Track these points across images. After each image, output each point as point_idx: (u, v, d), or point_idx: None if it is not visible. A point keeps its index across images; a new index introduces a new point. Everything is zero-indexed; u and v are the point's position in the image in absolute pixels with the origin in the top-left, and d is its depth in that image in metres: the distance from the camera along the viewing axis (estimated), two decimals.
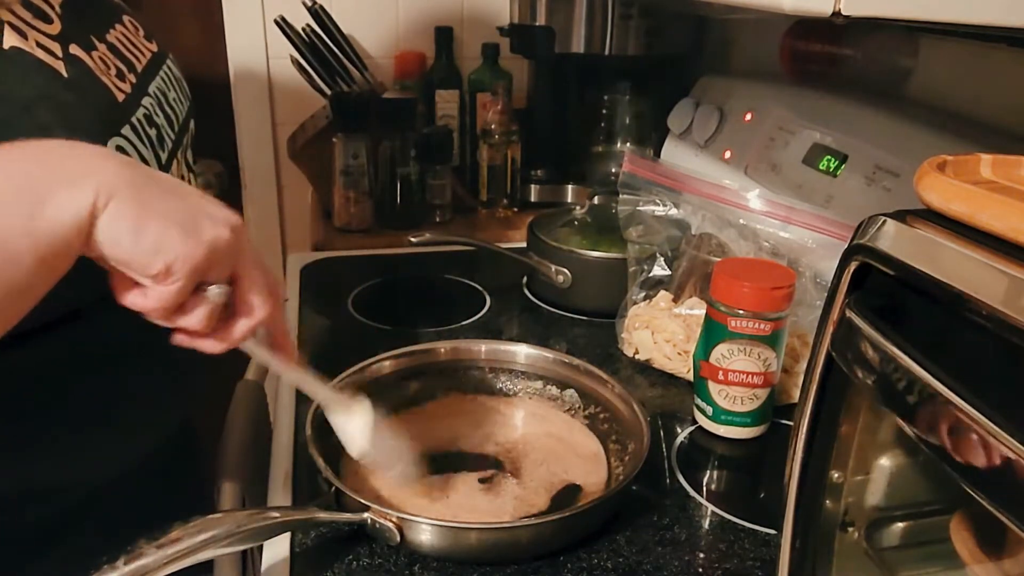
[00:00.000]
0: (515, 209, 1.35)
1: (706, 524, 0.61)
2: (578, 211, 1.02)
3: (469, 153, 1.40)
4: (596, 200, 1.02)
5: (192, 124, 0.66)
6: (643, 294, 0.87)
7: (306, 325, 0.91)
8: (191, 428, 0.74)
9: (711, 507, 0.63)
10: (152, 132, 0.54)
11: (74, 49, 0.49)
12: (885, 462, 0.43)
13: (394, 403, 0.72)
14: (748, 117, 1.00)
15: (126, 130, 0.50)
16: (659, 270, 0.87)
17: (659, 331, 0.82)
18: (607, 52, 1.18)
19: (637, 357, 0.83)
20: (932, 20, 0.43)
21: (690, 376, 0.77)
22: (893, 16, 0.44)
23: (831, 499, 0.42)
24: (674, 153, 1.15)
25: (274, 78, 1.45)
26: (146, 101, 0.55)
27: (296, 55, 1.23)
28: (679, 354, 0.80)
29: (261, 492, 0.66)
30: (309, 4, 1.21)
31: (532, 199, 1.36)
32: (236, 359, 0.58)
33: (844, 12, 0.43)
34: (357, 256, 1.14)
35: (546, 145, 1.33)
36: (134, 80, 0.55)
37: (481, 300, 0.99)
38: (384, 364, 0.72)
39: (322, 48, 1.21)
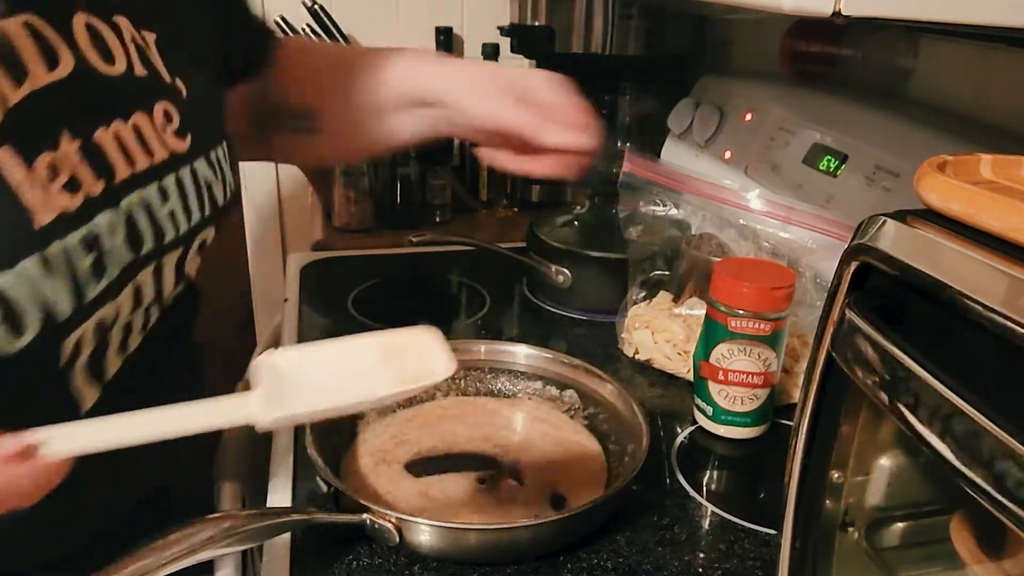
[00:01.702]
0: (515, 209, 1.35)
1: (706, 524, 0.61)
2: (578, 211, 1.02)
3: (469, 153, 1.40)
4: (596, 200, 1.02)
5: (199, 237, 0.55)
6: (643, 294, 0.87)
7: (306, 325, 0.91)
8: (166, 494, 0.63)
9: (711, 507, 0.63)
10: (86, 260, 0.44)
11: (1, 155, 0.40)
12: (885, 462, 0.43)
13: (394, 403, 0.72)
14: (748, 117, 1.00)
15: (26, 263, 0.40)
16: (660, 271, 0.87)
17: (659, 331, 0.82)
18: (607, 52, 1.18)
19: (637, 357, 0.83)
20: (932, 20, 0.43)
21: (690, 376, 0.77)
22: (893, 16, 0.44)
23: (831, 499, 0.42)
24: (674, 153, 1.15)
25: None
26: (103, 219, 0.45)
27: None
28: (679, 354, 0.80)
29: (261, 492, 0.65)
30: (309, 4, 1.22)
31: (532, 199, 1.36)
32: (236, 359, 0.58)
33: (844, 12, 0.43)
34: (357, 256, 1.14)
35: None
36: (98, 191, 0.45)
37: (481, 300, 0.99)
38: None
39: None
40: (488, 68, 0.69)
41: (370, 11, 1.42)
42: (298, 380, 0.43)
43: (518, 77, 0.67)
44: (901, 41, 0.85)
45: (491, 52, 1.37)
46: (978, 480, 0.28)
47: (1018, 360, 0.28)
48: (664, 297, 0.85)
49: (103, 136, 0.46)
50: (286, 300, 0.98)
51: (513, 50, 1.28)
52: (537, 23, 1.21)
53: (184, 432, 0.40)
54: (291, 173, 1.46)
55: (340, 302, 0.96)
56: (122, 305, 0.48)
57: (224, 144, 0.58)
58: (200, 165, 0.54)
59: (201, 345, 0.68)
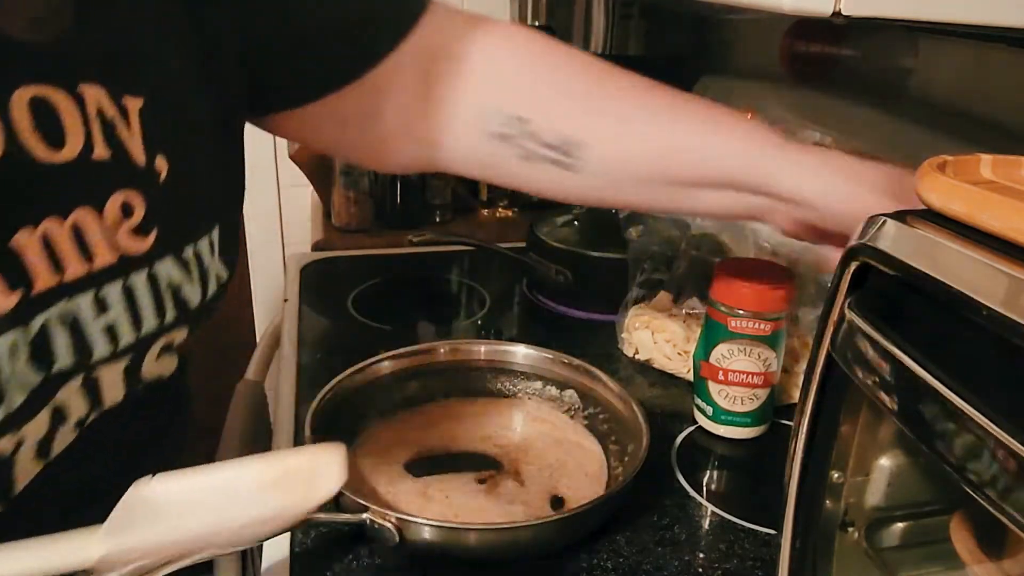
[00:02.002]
0: (515, 209, 1.35)
1: (706, 524, 0.61)
2: (578, 211, 1.02)
3: None
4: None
5: (159, 343, 0.46)
6: (643, 294, 0.87)
7: (306, 325, 0.91)
8: None
9: (711, 507, 0.63)
10: None
11: None
12: (885, 462, 0.43)
13: (393, 403, 0.72)
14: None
15: None
16: (660, 271, 0.87)
17: (659, 331, 0.82)
18: (607, 52, 1.18)
19: (637, 357, 0.83)
20: (932, 20, 0.43)
21: (690, 376, 0.77)
22: (893, 16, 0.44)
23: (831, 499, 0.42)
24: None
25: None
26: (12, 335, 0.38)
27: None
28: (679, 354, 0.80)
29: None
30: None
31: (532, 199, 1.36)
32: (236, 359, 0.57)
33: (844, 12, 0.43)
34: (357, 256, 1.14)
35: None
36: (6, 309, 0.38)
37: (481, 300, 0.99)
38: (384, 364, 0.72)
39: None
40: (870, 171, 0.50)
41: None
42: (164, 516, 0.39)
43: (896, 175, 0.49)
44: (901, 41, 0.85)
45: None
46: (978, 480, 0.28)
47: (1018, 360, 0.28)
48: (664, 297, 0.85)
49: (25, 239, 0.38)
50: (286, 300, 0.98)
51: None
52: (537, 23, 1.21)
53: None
54: (291, 173, 1.46)
55: (340, 302, 0.96)
56: (27, 433, 0.41)
57: (215, 232, 0.48)
58: (164, 267, 0.44)
59: (188, 388, 0.59)
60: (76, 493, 0.46)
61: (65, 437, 0.43)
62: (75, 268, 0.40)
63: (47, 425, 0.41)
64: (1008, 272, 0.28)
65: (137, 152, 0.43)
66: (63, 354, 0.40)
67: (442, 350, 0.76)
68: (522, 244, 1.01)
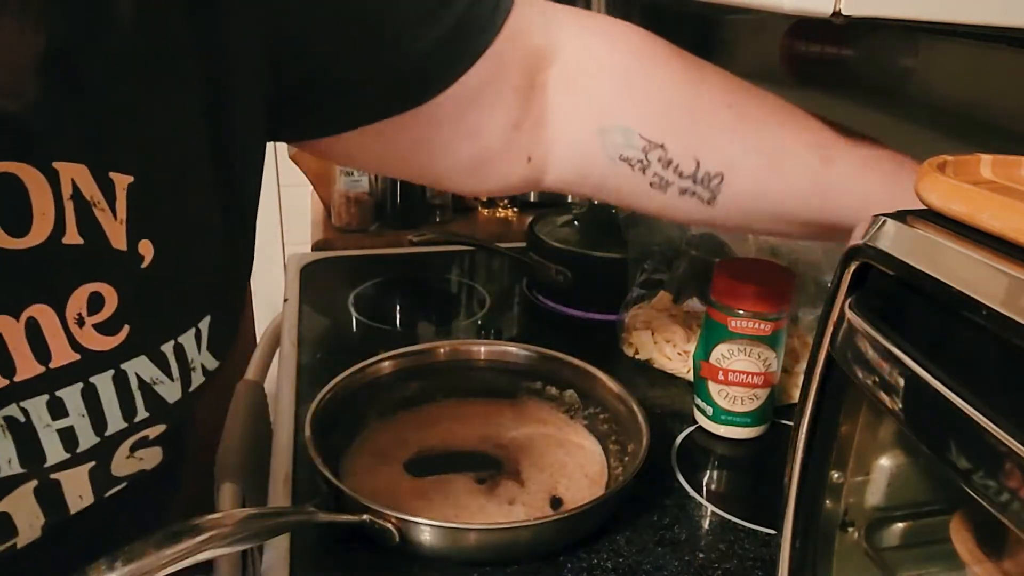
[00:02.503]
0: (515, 209, 1.35)
1: (706, 524, 0.61)
2: (578, 211, 1.02)
3: None
4: (596, 200, 1.02)
5: (129, 441, 0.42)
6: (643, 294, 0.87)
7: (306, 325, 0.91)
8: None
9: (711, 507, 0.63)
10: None
11: None
12: (885, 462, 0.43)
13: (393, 403, 0.72)
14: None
15: None
16: (660, 271, 0.87)
17: (659, 331, 0.82)
18: None
19: (637, 357, 0.83)
20: (932, 20, 0.43)
21: (690, 376, 0.77)
22: (893, 16, 0.44)
23: (831, 499, 0.42)
24: None
25: None
26: None
27: None
28: (679, 354, 0.80)
29: (261, 492, 0.66)
30: None
31: (532, 199, 1.36)
32: (236, 359, 0.56)
33: (844, 12, 0.43)
34: (357, 256, 1.14)
35: None
36: None
37: (481, 300, 0.99)
38: (384, 364, 0.72)
39: None
40: None
41: None
42: None
43: None
44: (901, 41, 0.85)
45: None
46: (978, 480, 0.28)
47: (1018, 360, 0.28)
48: (664, 297, 0.85)
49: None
50: (286, 300, 0.98)
51: None
52: None
53: None
54: (291, 173, 1.46)
55: (340, 302, 0.96)
56: None
57: (206, 321, 0.43)
58: (135, 364, 0.40)
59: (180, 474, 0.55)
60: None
61: (27, 538, 0.40)
62: (27, 368, 0.36)
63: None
64: (1008, 272, 0.28)
65: (116, 237, 0.38)
66: (9, 464, 0.36)
67: (442, 350, 0.76)
68: (522, 244, 1.02)
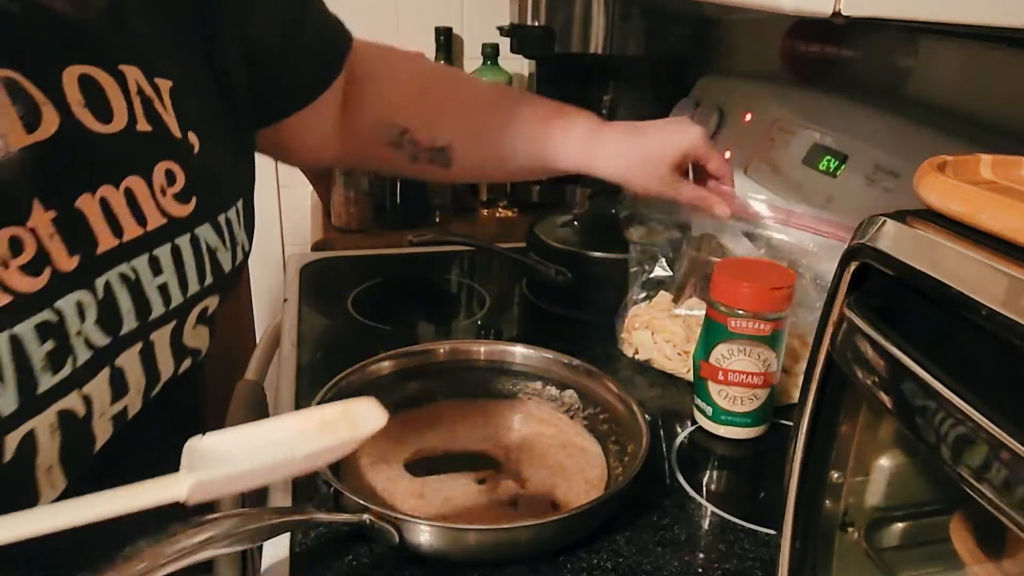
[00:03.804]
0: (515, 209, 1.35)
1: (706, 524, 0.61)
2: (578, 211, 1.02)
3: None
4: (596, 200, 1.02)
5: (198, 307, 0.50)
6: (643, 294, 0.87)
7: (306, 325, 0.91)
8: None
9: (711, 507, 0.63)
10: (41, 350, 0.39)
11: None
12: (885, 462, 0.43)
13: (393, 403, 0.72)
14: (748, 117, 1.00)
15: None
16: (660, 271, 0.87)
17: (659, 331, 0.82)
18: (607, 52, 1.18)
19: (637, 357, 0.83)
20: (932, 20, 0.43)
21: (690, 376, 0.77)
22: (893, 16, 0.44)
23: (831, 499, 0.42)
24: None
25: None
26: (68, 300, 0.40)
27: None
28: (679, 354, 0.80)
29: (261, 492, 0.66)
30: None
31: (532, 199, 1.36)
32: (236, 359, 0.57)
33: (844, 12, 0.43)
34: (357, 256, 1.14)
35: None
36: (70, 268, 0.40)
37: (481, 300, 0.99)
38: (383, 364, 0.72)
39: None
40: (658, 145, 0.73)
41: (369, 11, 1.42)
42: (230, 454, 0.42)
43: (688, 148, 0.73)
44: (901, 41, 0.85)
45: (491, 52, 1.37)
46: (978, 480, 0.28)
47: (1018, 360, 0.28)
48: (664, 297, 0.85)
49: (87, 203, 0.41)
50: (286, 300, 0.98)
51: (513, 50, 1.28)
52: (537, 23, 1.21)
53: (108, 516, 0.38)
54: (291, 173, 1.46)
55: (340, 302, 0.96)
56: (94, 393, 0.43)
57: (240, 203, 0.53)
58: (203, 231, 0.48)
59: (204, 396, 0.62)
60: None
61: (134, 403, 0.47)
62: (131, 230, 0.44)
63: (108, 392, 0.44)
64: (1008, 272, 0.29)
65: (173, 127, 0.47)
66: (128, 316, 0.44)
67: (442, 350, 0.76)
68: (522, 244, 1.01)
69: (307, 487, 0.63)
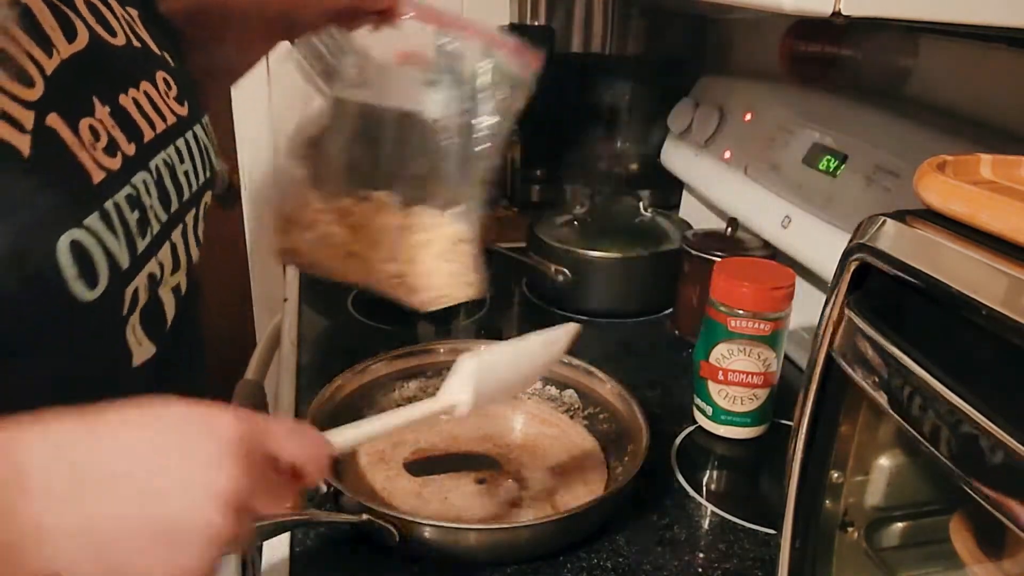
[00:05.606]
0: (515, 209, 1.35)
1: (706, 524, 0.61)
2: (578, 211, 1.02)
3: None
4: (596, 200, 1.02)
5: (207, 197, 0.58)
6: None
7: (306, 325, 0.91)
8: None
9: (711, 507, 0.63)
10: (133, 216, 0.46)
11: (52, 120, 0.42)
12: (885, 462, 0.43)
13: (394, 403, 0.72)
14: (748, 117, 1.00)
15: (91, 219, 0.43)
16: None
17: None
18: (607, 52, 1.18)
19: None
20: (932, 20, 0.43)
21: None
22: (893, 16, 0.44)
23: (831, 499, 0.42)
24: (674, 153, 1.15)
25: (274, 78, 1.45)
26: (139, 178, 0.47)
27: (296, 55, 1.23)
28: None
29: None
30: None
31: (532, 199, 1.35)
32: (236, 359, 0.57)
33: (844, 12, 0.43)
34: None
35: (546, 145, 1.33)
36: (132, 153, 0.47)
37: (481, 300, 0.99)
38: (383, 364, 0.72)
39: (322, 47, 1.21)
40: None
41: None
42: (491, 371, 0.53)
43: None
44: (901, 41, 0.85)
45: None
46: (977, 480, 0.28)
47: (1018, 360, 0.28)
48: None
49: (126, 101, 0.49)
50: (286, 300, 0.98)
51: None
52: (537, 23, 1.21)
53: (410, 423, 0.50)
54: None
55: (340, 302, 0.96)
56: (164, 261, 0.51)
57: (206, 117, 0.60)
58: (198, 130, 0.57)
59: (202, 341, 0.66)
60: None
61: (182, 281, 0.54)
62: (158, 124, 0.51)
63: (170, 261, 0.51)
64: (1008, 272, 0.29)
65: (152, 46, 0.55)
66: (173, 196, 0.51)
67: (442, 350, 0.76)
68: (522, 244, 1.01)
69: (307, 487, 0.63)
